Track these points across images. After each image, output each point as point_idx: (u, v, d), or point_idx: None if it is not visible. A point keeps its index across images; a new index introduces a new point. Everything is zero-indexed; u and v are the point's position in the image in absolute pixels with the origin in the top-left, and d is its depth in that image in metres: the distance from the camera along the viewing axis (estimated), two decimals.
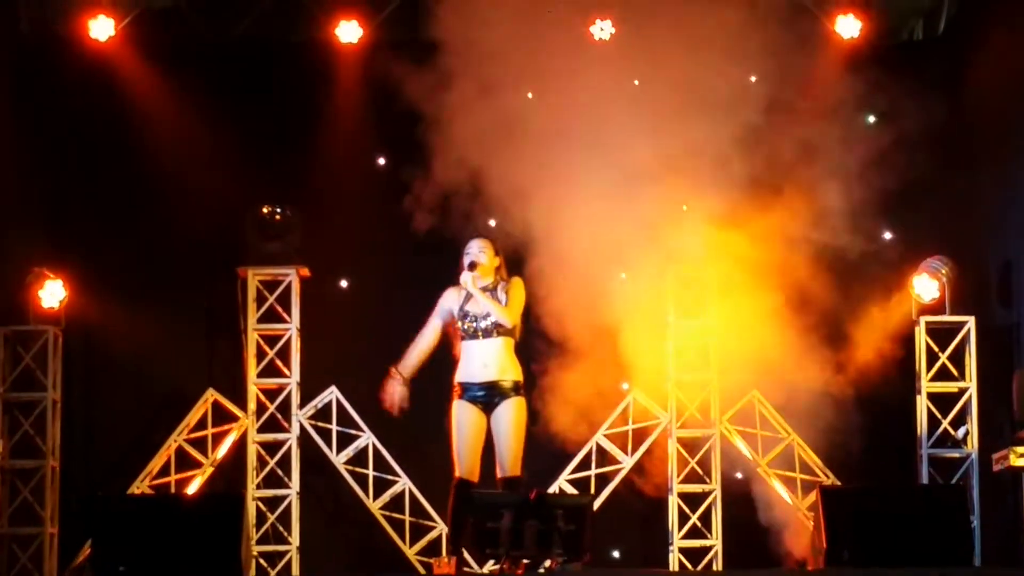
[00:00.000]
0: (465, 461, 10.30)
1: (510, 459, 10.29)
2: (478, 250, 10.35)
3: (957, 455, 12.86)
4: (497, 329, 10.24)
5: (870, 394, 12.99)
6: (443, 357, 12.67)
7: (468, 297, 10.37)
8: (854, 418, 12.94)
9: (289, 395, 13.20)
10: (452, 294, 10.44)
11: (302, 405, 13.21)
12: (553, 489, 12.76)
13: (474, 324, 10.24)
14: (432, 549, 12.96)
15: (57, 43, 13.42)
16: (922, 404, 12.90)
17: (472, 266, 10.29)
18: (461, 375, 10.33)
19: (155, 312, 13.24)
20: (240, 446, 13.18)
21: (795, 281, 12.85)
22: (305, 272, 13.21)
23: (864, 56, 13.16)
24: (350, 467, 13.16)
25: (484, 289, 10.34)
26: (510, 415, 10.22)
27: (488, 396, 10.27)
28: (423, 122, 12.53)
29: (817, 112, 12.96)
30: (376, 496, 13.12)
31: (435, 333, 10.52)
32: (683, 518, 13.05)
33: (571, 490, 13.01)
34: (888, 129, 12.94)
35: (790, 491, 12.97)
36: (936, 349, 12.92)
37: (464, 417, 10.24)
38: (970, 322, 12.90)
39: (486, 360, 10.21)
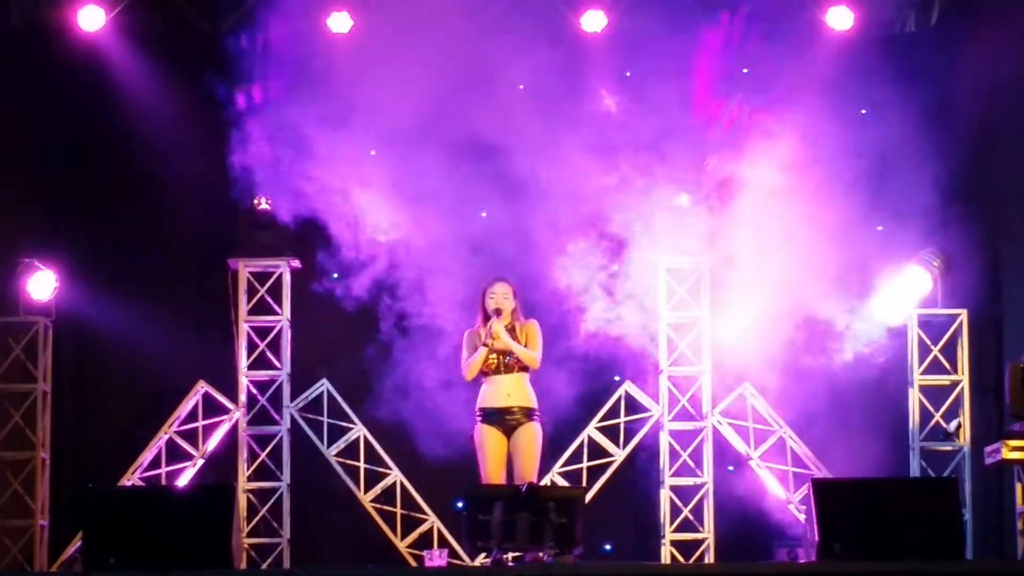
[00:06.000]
0: (492, 479, 11.02)
1: (529, 477, 10.95)
2: (502, 296, 11.15)
3: (949, 448, 12.85)
4: (518, 365, 11.10)
5: (862, 387, 12.99)
6: (434, 352, 12.79)
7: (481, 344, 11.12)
8: (846, 410, 12.96)
9: (280, 387, 13.19)
10: (475, 337, 11.17)
11: (293, 397, 13.19)
12: (545, 482, 12.74)
13: (497, 361, 11.08)
14: (423, 541, 12.95)
15: (47, 34, 13.36)
16: (914, 397, 12.89)
17: (498, 312, 11.08)
18: (486, 402, 11.12)
19: (146, 304, 13.21)
20: (231, 438, 13.17)
21: (787, 273, 12.85)
22: (296, 264, 13.21)
23: (857, 48, 13.15)
24: (341, 459, 13.15)
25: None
26: (529, 439, 11.05)
27: (509, 421, 11.07)
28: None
29: (810, 104, 12.97)
30: (367, 489, 13.11)
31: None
32: (675, 511, 13.04)
33: (563, 483, 13.00)
34: (880, 120, 12.94)
35: (782, 484, 12.98)
36: (928, 342, 12.91)
37: (489, 440, 11.07)
38: (963, 315, 12.89)
39: (509, 390, 11.08)
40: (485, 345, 11.08)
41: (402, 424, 13.09)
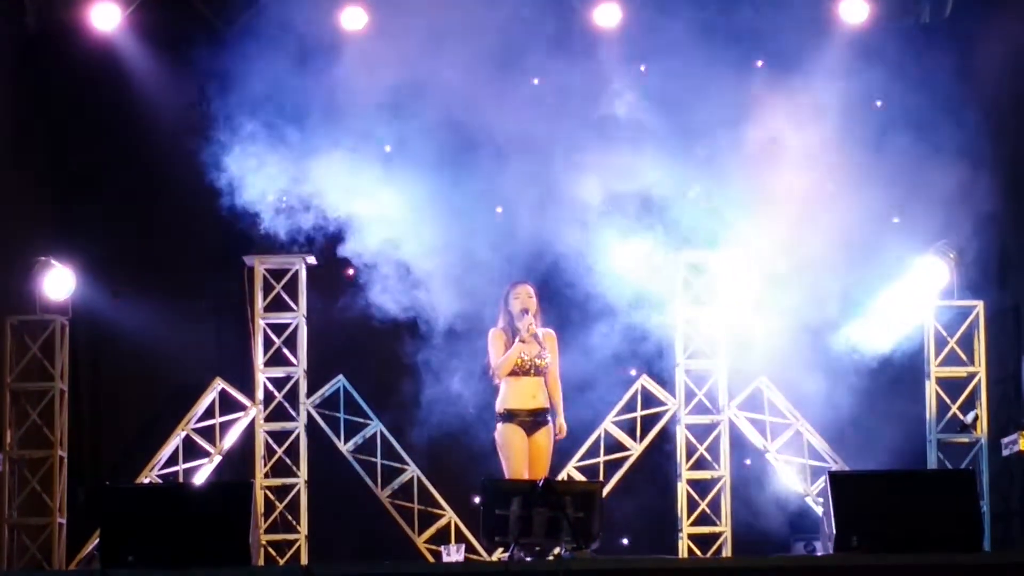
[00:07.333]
0: (518, 476, 11.23)
1: (545, 472, 11.35)
2: (527, 296, 11.48)
3: (966, 440, 12.82)
4: (544, 368, 11.46)
5: (878, 379, 12.98)
6: (450, 346, 12.80)
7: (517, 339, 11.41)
8: (862, 403, 12.95)
9: (297, 383, 13.20)
10: (503, 336, 11.46)
11: (310, 394, 13.21)
12: (562, 476, 12.75)
13: (525, 363, 11.37)
14: (441, 537, 12.96)
15: (63, 32, 13.40)
16: (931, 389, 12.86)
17: (525, 311, 11.40)
18: (511, 403, 11.39)
19: (162, 301, 13.23)
20: (248, 435, 13.19)
21: (803, 266, 12.84)
22: (312, 260, 13.22)
23: (871, 40, 13.13)
24: (358, 455, 13.16)
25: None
26: (548, 438, 11.45)
27: (532, 421, 11.38)
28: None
29: (824, 96, 12.96)
30: (384, 484, 13.12)
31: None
32: (692, 504, 13.04)
33: (580, 477, 13.00)
34: (895, 113, 12.92)
35: (799, 477, 12.96)
36: (945, 334, 12.88)
37: (515, 439, 11.37)
38: (979, 307, 12.86)
39: (534, 392, 11.42)
40: (523, 341, 11.28)
41: (419, 419, 13.11)
